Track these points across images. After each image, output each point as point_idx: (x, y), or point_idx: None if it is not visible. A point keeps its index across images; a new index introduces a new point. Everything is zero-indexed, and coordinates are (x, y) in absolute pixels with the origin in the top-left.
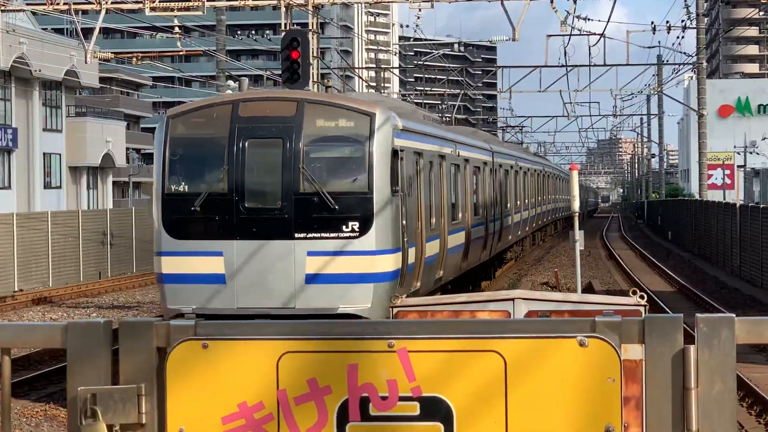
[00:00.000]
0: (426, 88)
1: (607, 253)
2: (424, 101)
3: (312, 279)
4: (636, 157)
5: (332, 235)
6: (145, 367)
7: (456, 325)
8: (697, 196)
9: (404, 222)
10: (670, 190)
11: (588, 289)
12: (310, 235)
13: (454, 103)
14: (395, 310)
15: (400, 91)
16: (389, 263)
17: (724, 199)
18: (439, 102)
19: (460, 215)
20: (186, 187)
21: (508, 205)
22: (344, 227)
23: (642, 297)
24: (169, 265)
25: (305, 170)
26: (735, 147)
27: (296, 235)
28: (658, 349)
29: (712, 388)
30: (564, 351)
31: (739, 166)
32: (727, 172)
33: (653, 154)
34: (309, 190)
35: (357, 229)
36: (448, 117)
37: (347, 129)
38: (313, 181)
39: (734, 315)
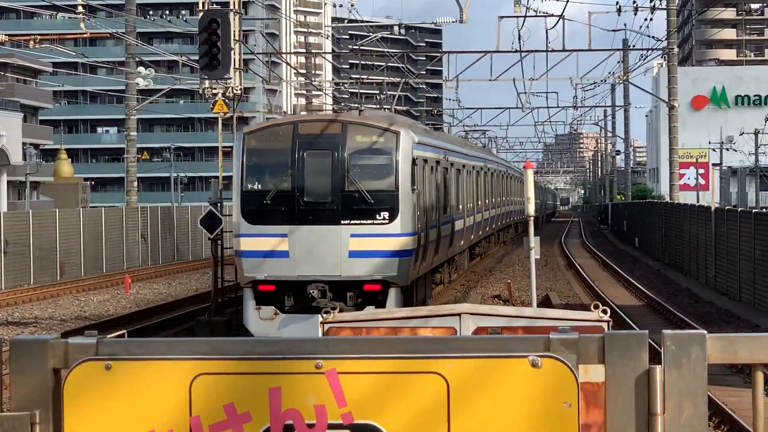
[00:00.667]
0: (362, 76)
1: (566, 262)
2: (360, 91)
3: (354, 254)
4: (599, 154)
5: (368, 222)
6: (40, 391)
7: (392, 343)
8: (667, 198)
9: (418, 213)
10: (638, 191)
11: (545, 302)
12: (352, 222)
13: (394, 93)
14: (326, 326)
15: (333, 79)
16: (410, 243)
17: (698, 201)
18: (377, 92)
19: (447, 210)
20: (259, 185)
21: (459, 206)
22: (377, 216)
23: (605, 312)
24: (247, 244)
25: (349, 174)
26: (710, 143)
27: (342, 222)
28: (620, 369)
29: (681, 413)
30: (514, 372)
31: (714, 165)
32: (701, 171)
33: (618, 151)
34: (351, 189)
35: (387, 218)
36: (388, 108)
37: (380, 143)
38: (355, 182)
39: (706, 332)
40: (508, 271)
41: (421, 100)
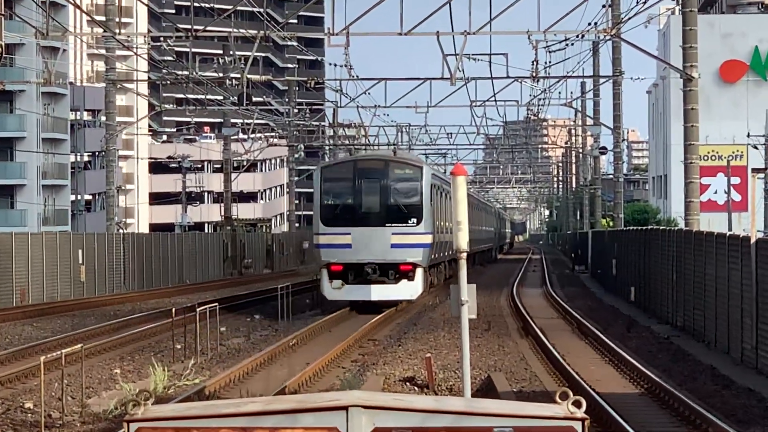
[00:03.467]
0: (196, 27)
1: (520, 324)
2: (194, 49)
3: (394, 246)
4: (572, 154)
5: (403, 224)
6: None
7: None
8: (681, 224)
9: (434, 221)
10: (635, 212)
11: (486, 389)
12: (393, 225)
13: (248, 53)
14: (133, 426)
15: (149, 32)
16: (429, 239)
17: (730, 228)
18: (220, 52)
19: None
20: (332, 201)
21: None
22: (409, 221)
23: (577, 404)
24: (323, 239)
25: (390, 193)
26: (749, 135)
27: (386, 224)
28: None
29: None
30: None
31: (756, 171)
32: (736, 180)
33: (604, 149)
34: (392, 203)
35: (415, 222)
36: (237, 78)
37: (410, 174)
38: (395, 199)
39: None
40: (428, 338)
41: (290, 66)
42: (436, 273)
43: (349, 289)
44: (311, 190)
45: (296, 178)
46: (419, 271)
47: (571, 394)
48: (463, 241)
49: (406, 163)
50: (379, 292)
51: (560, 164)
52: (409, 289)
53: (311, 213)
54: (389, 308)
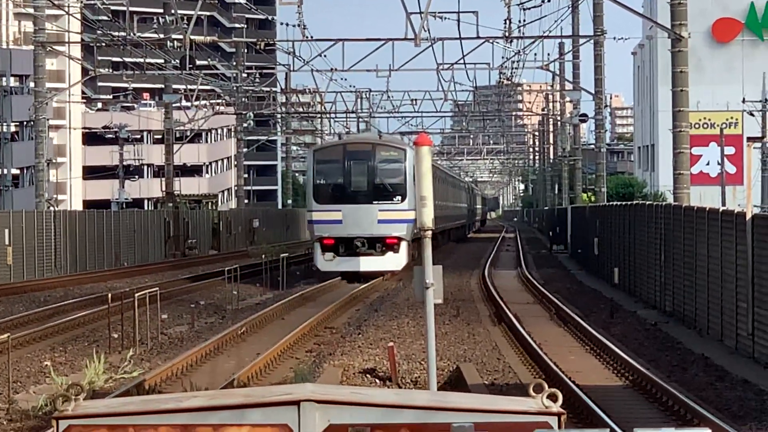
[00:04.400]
0: None
1: (492, 310)
2: (131, 9)
3: (381, 221)
4: (550, 122)
5: (389, 202)
6: None
7: None
8: (670, 199)
9: (416, 198)
10: (619, 186)
11: (454, 381)
12: (379, 202)
13: (191, 12)
14: (63, 423)
15: None
16: (412, 215)
17: (724, 203)
18: (161, 11)
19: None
20: (324, 180)
21: None
22: (394, 199)
23: (553, 398)
24: (316, 216)
25: (376, 173)
26: (745, 101)
27: (374, 202)
28: None
29: None
30: None
31: (752, 139)
32: (730, 150)
33: (584, 116)
34: (378, 182)
35: (399, 200)
36: (179, 40)
37: (395, 156)
38: (381, 179)
39: (709, 431)
40: (391, 325)
41: (238, 26)
42: (419, 246)
43: (340, 261)
44: (261, 162)
45: (245, 150)
46: (404, 245)
47: (546, 386)
48: (427, 217)
49: (391, 145)
50: (367, 264)
51: (536, 133)
52: (394, 261)
53: (262, 188)
54: (375, 279)
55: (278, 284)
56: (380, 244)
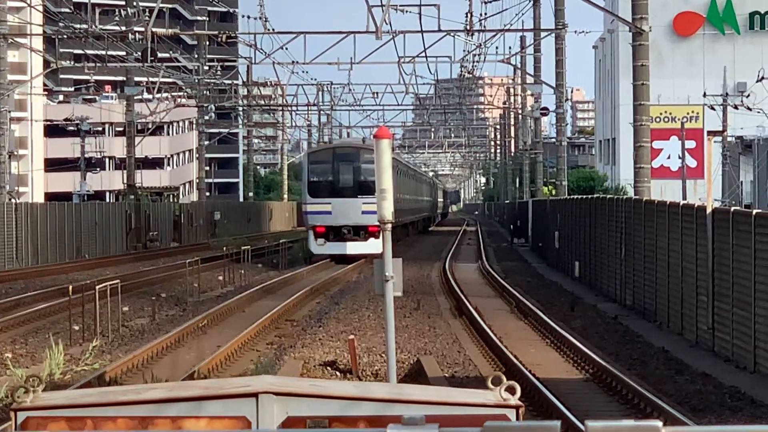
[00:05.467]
0: None
1: (454, 302)
2: (93, 1)
3: (364, 212)
4: (511, 115)
5: (371, 196)
6: None
7: None
8: (630, 192)
9: (395, 193)
10: (580, 179)
11: (415, 374)
12: (363, 196)
13: (152, 5)
14: (21, 415)
15: None
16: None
17: (685, 197)
18: (122, 3)
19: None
20: (316, 178)
21: None
22: (375, 193)
23: (511, 390)
24: (310, 208)
25: (360, 172)
26: (706, 95)
27: (358, 196)
28: None
29: None
30: None
31: (712, 133)
32: (691, 144)
33: (545, 109)
34: (363, 180)
35: None
36: (140, 32)
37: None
38: (364, 177)
39: (661, 423)
40: (352, 317)
41: (199, 18)
42: (402, 230)
43: (330, 246)
44: (223, 155)
45: (206, 142)
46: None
47: (504, 378)
48: (387, 210)
49: (373, 149)
50: (352, 248)
51: (497, 127)
52: (375, 246)
53: (224, 180)
54: (359, 260)
55: (240, 276)
56: (364, 232)
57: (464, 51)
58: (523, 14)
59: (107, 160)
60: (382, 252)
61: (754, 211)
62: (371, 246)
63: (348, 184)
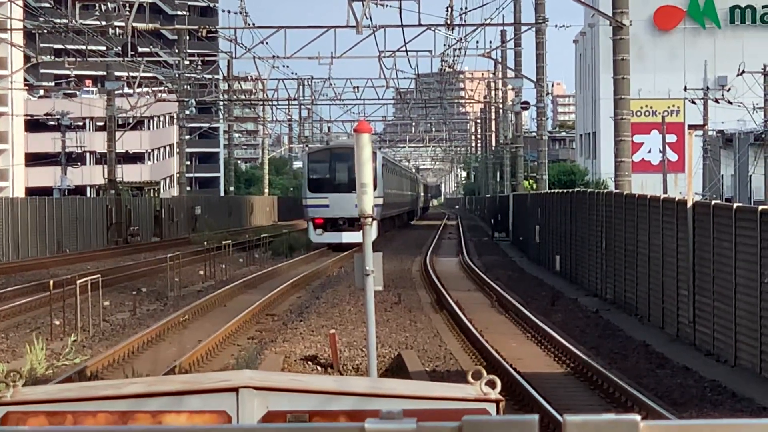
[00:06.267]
0: None
1: (434, 297)
2: None
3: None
4: (492, 109)
5: None
6: None
7: None
8: (611, 186)
9: (384, 188)
10: (561, 173)
11: (396, 368)
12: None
13: (131, 0)
14: (1, 409)
15: None
16: (381, 201)
17: (666, 190)
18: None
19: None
20: (316, 176)
21: None
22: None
23: (491, 384)
24: (310, 201)
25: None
26: (686, 89)
27: (352, 191)
28: None
29: None
30: None
31: (693, 127)
32: (672, 138)
33: (526, 103)
34: (356, 176)
35: (372, 189)
36: (121, 27)
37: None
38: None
39: (639, 417)
40: (333, 312)
41: (180, 13)
42: (390, 222)
43: (327, 235)
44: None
45: (187, 137)
46: (374, 223)
47: (484, 373)
48: (367, 205)
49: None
50: (347, 237)
51: (478, 121)
52: None
53: (205, 175)
54: (353, 248)
55: (221, 270)
56: (357, 223)
57: (445, 45)
58: (503, 8)
59: (88, 154)
60: (374, 239)
61: (735, 205)
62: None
63: (344, 181)
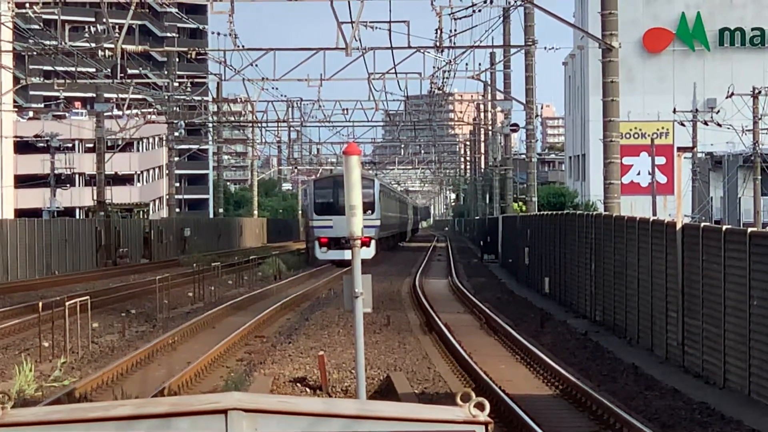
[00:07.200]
0: None
1: (424, 319)
2: (62, 17)
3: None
4: (481, 131)
5: (364, 214)
6: None
7: None
8: (600, 208)
9: (382, 211)
10: (550, 195)
11: (385, 390)
12: None
13: (122, 21)
14: None
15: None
16: (378, 222)
17: (655, 213)
18: (92, 20)
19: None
20: (321, 200)
21: None
22: (367, 212)
23: (480, 407)
24: (316, 223)
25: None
26: (675, 111)
27: None
28: None
29: None
30: None
31: (682, 149)
32: (661, 160)
33: (515, 125)
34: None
35: (370, 212)
36: (110, 49)
37: (367, 183)
38: None
39: None
40: (322, 334)
41: (169, 35)
42: (385, 242)
43: (331, 253)
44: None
45: (176, 159)
46: (373, 242)
47: (473, 395)
48: (356, 227)
49: (366, 177)
50: (349, 254)
51: (468, 143)
52: (367, 252)
53: (194, 197)
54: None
55: (210, 292)
56: None
57: (434, 67)
58: (493, 30)
59: (77, 176)
60: (371, 257)
61: (724, 227)
62: (364, 252)
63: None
